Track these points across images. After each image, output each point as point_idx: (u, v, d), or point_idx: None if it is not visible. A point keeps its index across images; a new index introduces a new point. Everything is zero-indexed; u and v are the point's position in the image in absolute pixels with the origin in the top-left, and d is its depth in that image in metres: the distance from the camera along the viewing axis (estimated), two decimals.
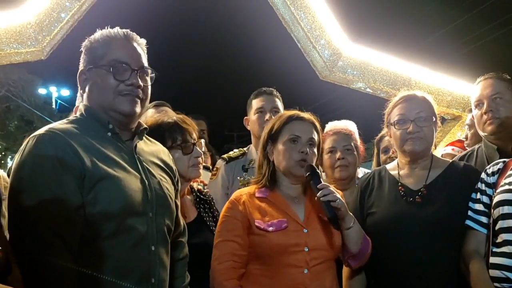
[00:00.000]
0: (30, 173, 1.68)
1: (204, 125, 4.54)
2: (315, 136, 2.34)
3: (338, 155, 2.99)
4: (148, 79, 2.00)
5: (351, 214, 2.25)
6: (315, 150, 2.32)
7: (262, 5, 4.23)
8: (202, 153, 2.51)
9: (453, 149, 3.84)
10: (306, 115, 2.38)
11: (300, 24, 4.03)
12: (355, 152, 3.04)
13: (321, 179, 2.22)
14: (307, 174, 2.23)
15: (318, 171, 2.25)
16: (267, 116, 3.32)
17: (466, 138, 3.69)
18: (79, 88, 2.00)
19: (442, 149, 3.96)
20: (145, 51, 2.02)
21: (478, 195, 2.28)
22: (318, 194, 2.15)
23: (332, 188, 2.19)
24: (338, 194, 2.20)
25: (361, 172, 3.30)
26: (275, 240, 2.16)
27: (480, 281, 2.11)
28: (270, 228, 2.17)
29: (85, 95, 1.97)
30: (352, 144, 3.04)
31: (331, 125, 3.11)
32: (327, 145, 3.02)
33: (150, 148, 2.09)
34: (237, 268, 2.17)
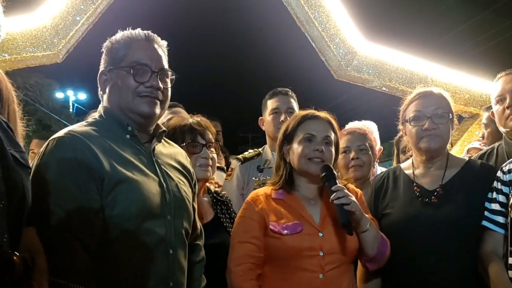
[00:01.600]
0: (50, 177, 1.69)
1: (219, 126, 4.54)
2: (331, 135, 2.30)
3: (352, 154, 2.97)
4: (168, 81, 2.00)
5: (367, 216, 2.21)
6: (332, 149, 2.28)
7: (276, 5, 4.22)
8: (211, 155, 2.49)
9: (480, 144, 3.78)
10: (322, 113, 2.35)
11: (314, 23, 4.02)
12: (370, 152, 3.01)
13: (337, 181, 2.18)
14: (322, 174, 2.19)
15: (335, 172, 2.21)
16: (282, 117, 3.30)
17: (483, 137, 3.64)
18: (99, 89, 2.00)
19: (470, 144, 3.90)
20: (166, 53, 2.02)
21: (494, 194, 2.24)
22: (331, 197, 2.11)
23: (347, 190, 2.15)
24: (353, 197, 2.16)
25: (379, 171, 3.27)
26: (290, 243, 2.13)
27: (500, 282, 2.07)
28: (285, 231, 2.15)
29: (105, 96, 1.98)
30: (367, 144, 3.01)
31: (350, 125, 3.09)
32: (341, 144, 2.99)
33: (168, 151, 2.08)
34: (254, 270, 2.15)
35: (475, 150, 3.60)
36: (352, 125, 3.11)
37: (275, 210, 2.22)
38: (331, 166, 2.23)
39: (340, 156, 2.99)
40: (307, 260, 2.12)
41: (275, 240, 2.15)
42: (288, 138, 2.32)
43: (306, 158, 2.23)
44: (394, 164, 3.61)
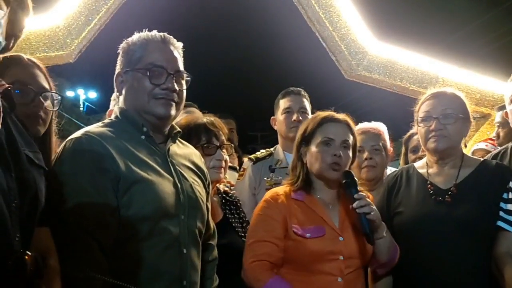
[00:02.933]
0: (66, 177, 1.72)
1: (233, 124, 4.56)
2: (350, 138, 2.29)
3: (365, 155, 2.96)
4: (184, 82, 2.01)
5: (383, 224, 2.22)
6: (350, 152, 2.28)
7: (287, 5, 4.23)
8: (226, 157, 2.49)
9: (486, 145, 3.75)
10: (341, 116, 2.34)
11: (325, 23, 4.02)
12: (383, 152, 3.01)
13: (358, 188, 2.18)
14: (344, 181, 2.19)
15: (356, 179, 2.21)
16: (294, 117, 3.31)
17: (498, 136, 3.61)
18: (115, 90, 2.02)
19: (475, 145, 3.89)
20: (181, 55, 2.03)
21: (510, 195, 2.23)
22: (354, 205, 2.11)
23: (368, 199, 2.16)
24: (374, 205, 2.16)
25: (389, 172, 3.26)
26: (312, 247, 2.13)
27: None
28: (308, 235, 2.15)
29: (121, 98, 2.00)
30: (381, 144, 3.00)
31: (360, 126, 3.09)
32: None
33: (183, 151, 2.10)
34: (272, 268, 2.14)
35: (481, 152, 3.58)
36: (362, 125, 3.10)
37: (296, 212, 2.22)
38: (351, 171, 2.24)
39: None
40: (328, 264, 2.13)
41: (297, 243, 2.15)
42: (306, 139, 2.32)
43: (323, 163, 2.22)
44: (401, 163, 3.60)
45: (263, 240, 2.17)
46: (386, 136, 3.10)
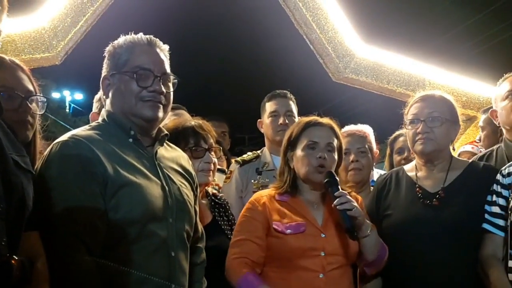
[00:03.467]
0: (53, 180, 1.70)
1: (226, 126, 4.56)
2: (334, 141, 2.32)
3: (352, 157, 2.98)
4: (171, 85, 2.00)
5: (368, 222, 2.23)
6: (335, 155, 2.31)
7: (274, 7, 4.23)
8: (214, 160, 2.49)
9: (472, 148, 3.78)
10: (325, 120, 2.37)
11: (312, 25, 4.03)
12: (369, 155, 3.02)
13: (339, 186, 2.20)
14: (325, 180, 2.22)
15: (337, 178, 2.24)
16: (281, 120, 3.30)
17: (480, 139, 3.63)
18: (102, 93, 2.01)
19: (461, 147, 3.92)
20: (168, 57, 2.03)
21: (494, 197, 2.25)
22: (334, 202, 2.14)
23: (349, 196, 2.17)
24: (355, 202, 2.18)
25: (376, 174, 3.28)
26: (292, 242, 2.16)
27: (501, 286, 2.08)
28: (288, 231, 2.18)
29: (108, 101, 1.98)
30: (366, 146, 3.02)
31: (346, 129, 3.09)
32: None
33: (171, 154, 2.09)
34: (253, 266, 2.16)
35: (467, 154, 3.60)
36: (348, 128, 3.11)
37: (278, 210, 2.25)
38: (334, 172, 2.26)
39: None
40: (309, 260, 2.15)
41: (278, 239, 2.18)
42: (292, 144, 2.35)
43: (309, 166, 2.25)
44: (386, 164, 3.61)
45: (244, 239, 2.20)
46: (372, 138, 3.11)
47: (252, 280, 2.11)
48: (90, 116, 3.16)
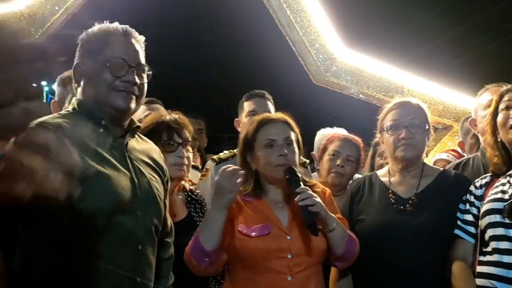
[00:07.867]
0: (19, 166, 1.65)
1: (203, 124, 4.52)
2: (291, 134, 2.28)
3: (338, 161, 2.99)
4: (145, 76, 1.97)
5: (332, 215, 2.19)
6: (295, 147, 2.27)
7: (258, 7, 4.23)
8: (188, 155, 2.47)
9: (448, 156, 3.82)
10: (277, 115, 2.35)
11: (295, 27, 4.04)
12: (355, 165, 3.05)
13: (301, 183, 2.17)
14: (286, 177, 2.18)
15: (298, 174, 2.20)
16: None
17: (462, 147, 3.62)
18: (73, 81, 1.96)
19: (437, 155, 3.95)
20: (143, 48, 2.00)
21: (467, 206, 2.29)
22: (296, 199, 2.10)
23: (311, 191, 2.14)
24: (318, 197, 2.14)
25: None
26: (257, 245, 2.13)
27: (462, 275, 2.15)
28: (253, 233, 2.15)
29: (79, 89, 1.94)
30: (356, 155, 3.04)
31: (322, 132, 3.10)
32: (332, 147, 3.01)
33: (142, 147, 2.06)
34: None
35: (443, 162, 3.63)
36: (345, 133, 3.12)
37: (243, 213, 2.22)
38: (294, 167, 2.21)
39: (326, 158, 3.01)
40: (276, 262, 2.12)
41: (243, 242, 2.15)
42: (248, 145, 2.30)
43: (271, 165, 2.22)
44: (367, 165, 3.62)
45: None
46: (362, 152, 3.14)
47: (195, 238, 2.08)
48: (51, 104, 3.05)
